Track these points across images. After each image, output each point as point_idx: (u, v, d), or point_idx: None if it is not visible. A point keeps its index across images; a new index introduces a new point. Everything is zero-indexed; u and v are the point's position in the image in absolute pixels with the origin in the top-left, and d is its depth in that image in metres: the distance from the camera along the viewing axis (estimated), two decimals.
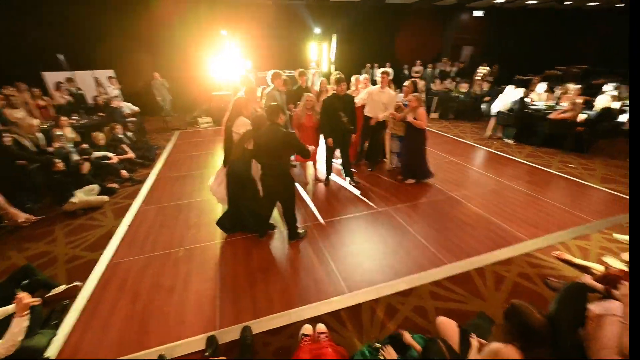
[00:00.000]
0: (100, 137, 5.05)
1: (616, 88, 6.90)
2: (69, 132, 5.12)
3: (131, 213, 3.75)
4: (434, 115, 8.60)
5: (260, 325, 2.22)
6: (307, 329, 2.01)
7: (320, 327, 2.02)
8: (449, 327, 1.85)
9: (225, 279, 2.64)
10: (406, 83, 4.12)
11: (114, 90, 7.81)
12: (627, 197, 3.96)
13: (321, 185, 4.39)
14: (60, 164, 3.68)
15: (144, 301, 2.43)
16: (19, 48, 7.81)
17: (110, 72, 8.56)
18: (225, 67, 8.35)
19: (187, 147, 6.38)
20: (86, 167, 4.04)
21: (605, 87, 7.06)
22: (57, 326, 2.24)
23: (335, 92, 3.77)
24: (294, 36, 10.11)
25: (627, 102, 6.20)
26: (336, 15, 10.36)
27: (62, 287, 2.54)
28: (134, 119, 6.81)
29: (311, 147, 2.96)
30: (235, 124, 3.08)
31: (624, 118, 5.55)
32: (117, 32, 8.63)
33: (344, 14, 10.48)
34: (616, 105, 5.89)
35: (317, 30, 9.88)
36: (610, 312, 1.48)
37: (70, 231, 3.46)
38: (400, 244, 3.08)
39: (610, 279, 2.06)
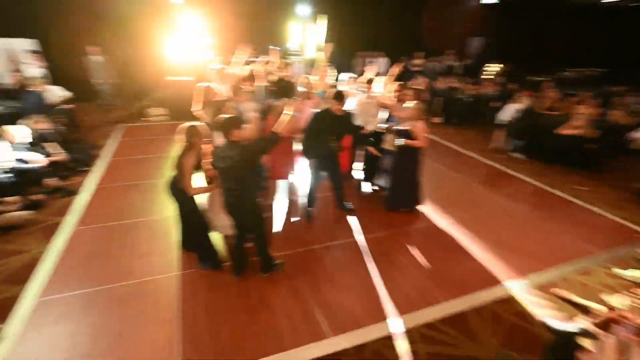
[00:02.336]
0: None
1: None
2: None
3: (63, 235, 3.78)
4: (437, 119, 9.11)
5: None
6: None
7: None
8: None
9: (186, 321, 2.78)
10: (408, 91, 4.41)
11: (36, 69, 7.60)
12: (633, 225, 4.51)
13: (299, 207, 4.61)
14: None
15: (85, 350, 2.53)
16: None
17: (32, 43, 8.31)
18: (185, 46, 8.37)
19: (134, 147, 6.38)
20: None
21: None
22: None
23: (330, 108, 3.82)
24: (271, 13, 10.31)
25: None
26: None
27: None
28: (70, 106, 6.66)
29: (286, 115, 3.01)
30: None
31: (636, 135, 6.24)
32: None
33: None
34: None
35: (303, 9, 10.07)
36: None
37: None
38: (390, 278, 3.37)
39: (606, 324, 2.43)
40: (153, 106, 8.10)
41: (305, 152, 4.03)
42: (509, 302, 3.15)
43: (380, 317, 2.91)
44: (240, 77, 4.39)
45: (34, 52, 7.89)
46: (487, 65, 11.17)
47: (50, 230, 3.85)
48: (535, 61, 13.21)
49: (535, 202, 5.04)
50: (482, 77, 10.82)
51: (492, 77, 10.41)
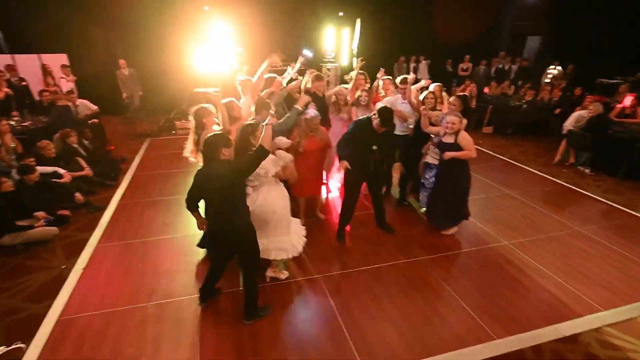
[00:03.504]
0: (51, 147, 5.43)
1: None
2: (10, 140, 5.53)
3: (87, 251, 4.04)
4: (487, 129, 8.92)
5: None
6: None
7: None
8: None
9: (206, 348, 2.85)
10: (451, 99, 4.38)
11: (67, 82, 8.34)
12: None
13: (331, 224, 4.64)
14: (8, 184, 4.05)
15: None
16: None
17: (63, 58, 9.12)
18: (214, 56, 8.81)
19: (159, 161, 6.77)
20: (7, 186, 4.11)
21: None
22: None
23: (373, 123, 3.84)
24: (303, 19, 10.64)
25: None
26: None
27: (1, 350, 2.77)
28: (94, 120, 7.22)
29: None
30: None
31: None
32: (70, 4, 9.17)
33: None
34: None
35: (337, 13, 10.29)
36: None
37: (7, 273, 3.73)
38: (435, 308, 3.28)
39: None
40: (180, 119, 8.57)
41: (341, 154, 4.01)
42: (577, 342, 2.95)
43: (422, 353, 2.82)
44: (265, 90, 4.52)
45: (65, 66, 8.66)
46: (548, 67, 10.81)
47: (75, 247, 4.13)
48: (607, 61, 12.51)
49: (609, 225, 4.74)
50: (542, 81, 10.48)
51: (553, 80, 10.06)
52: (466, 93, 7.82)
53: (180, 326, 3.05)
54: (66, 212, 4.70)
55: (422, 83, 4.82)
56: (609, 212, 5.10)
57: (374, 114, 3.83)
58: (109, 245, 4.17)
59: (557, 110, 8.34)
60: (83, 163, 5.59)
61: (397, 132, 4.74)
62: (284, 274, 3.60)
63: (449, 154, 4.02)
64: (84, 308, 3.23)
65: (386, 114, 3.75)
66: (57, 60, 8.86)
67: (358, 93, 4.88)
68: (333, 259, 3.98)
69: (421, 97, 4.62)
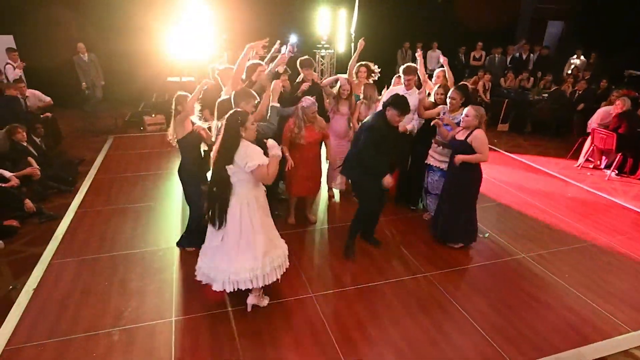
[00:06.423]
0: None
1: None
2: None
3: (39, 269, 3.99)
4: (503, 126, 9.05)
5: None
6: None
7: None
8: None
9: None
10: (451, 93, 4.40)
11: (15, 70, 8.23)
12: None
13: (325, 235, 4.68)
14: None
15: None
16: None
17: (9, 40, 8.99)
18: (190, 41, 8.78)
19: (125, 163, 6.73)
20: None
21: None
22: None
23: (388, 117, 3.85)
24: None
25: None
26: None
27: None
28: (47, 114, 7.15)
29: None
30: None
31: None
32: None
33: None
34: None
35: None
36: None
37: None
38: (443, 330, 3.33)
39: None
40: (149, 113, 8.53)
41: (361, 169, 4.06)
42: None
43: None
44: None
45: (12, 50, 8.52)
46: (571, 57, 11.02)
47: (25, 263, 4.08)
48: (637, 50, 12.77)
49: (639, 236, 4.86)
50: (564, 72, 10.67)
51: (576, 72, 10.26)
52: (472, 85, 7.97)
53: (152, 355, 3.04)
54: (13, 223, 4.66)
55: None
56: (639, 222, 5.23)
57: (387, 106, 3.82)
58: (65, 261, 4.14)
59: (581, 106, 8.49)
60: (34, 164, 5.53)
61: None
62: (265, 300, 3.53)
63: (459, 158, 4.01)
64: (36, 336, 3.18)
65: (401, 100, 3.77)
66: (2, 43, 8.75)
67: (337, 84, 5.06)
68: (328, 275, 4.02)
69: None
